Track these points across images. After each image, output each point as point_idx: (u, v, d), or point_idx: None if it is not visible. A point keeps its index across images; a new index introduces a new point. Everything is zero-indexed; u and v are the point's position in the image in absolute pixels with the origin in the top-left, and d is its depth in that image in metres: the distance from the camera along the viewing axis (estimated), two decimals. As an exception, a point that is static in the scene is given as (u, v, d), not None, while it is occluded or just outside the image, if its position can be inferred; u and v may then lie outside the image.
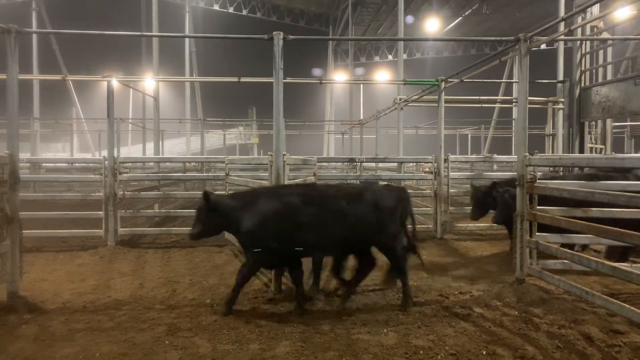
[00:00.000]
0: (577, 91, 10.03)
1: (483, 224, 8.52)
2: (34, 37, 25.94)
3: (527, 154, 5.41)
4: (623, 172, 6.80)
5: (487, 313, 4.75)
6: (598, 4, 7.66)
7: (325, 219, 4.84)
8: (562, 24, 6.82)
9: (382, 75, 35.53)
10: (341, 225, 4.88)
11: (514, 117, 20.20)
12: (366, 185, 5.63)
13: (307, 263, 6.56)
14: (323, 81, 11.44)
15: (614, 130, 12.42)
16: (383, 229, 5.03)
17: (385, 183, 5.67)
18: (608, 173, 6.89)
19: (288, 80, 9.53)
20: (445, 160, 8.91)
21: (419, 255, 5.52)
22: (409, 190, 11.10)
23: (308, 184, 5.67)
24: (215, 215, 4.85)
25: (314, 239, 4.83)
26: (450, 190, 9.13)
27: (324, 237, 4.87)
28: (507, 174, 9.90)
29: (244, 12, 35.80)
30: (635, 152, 16.24)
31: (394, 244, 5.12)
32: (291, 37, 5.74)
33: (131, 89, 23.74)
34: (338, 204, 4.91)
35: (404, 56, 23.43)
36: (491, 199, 6.84)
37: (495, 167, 16.15)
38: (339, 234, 4.91)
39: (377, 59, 41.33)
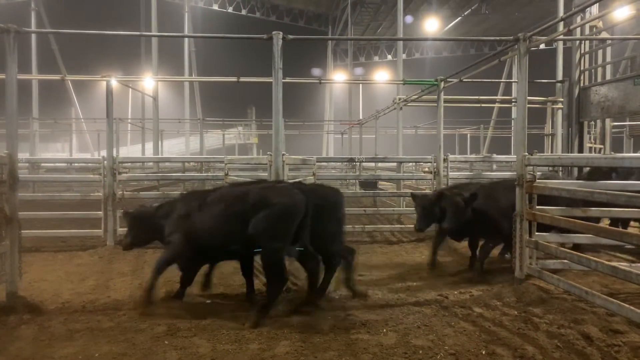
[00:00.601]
0: (576, 91, 10.04)
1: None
2: (33, 36, 25.92)
3: (526, 153, 5.41)
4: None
5: (486, 313, 4.75)
6: (597, 3, 7.66)
7: (210, 222, 4.74)
8: (561, 24, 6.82)
9: (382, 75, 35.55)
10: (224, 228, 4.69)
11: (513, 116, 20.20)
12: (264, 185, 5.11)
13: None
14: (322, 81, 11.42)
15: (613, 130, 12.43)
16: (256, 234, 4.52)
17: (299, 181, 5.16)
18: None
19: (287, 80, 9.53)
20: (445, 160, 8.91)
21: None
22: (408, 190, 11.29)
23: (217, 188, 5.42)
24: (142, 226, 5.11)
25: (207, 243, 4.78)
26: (450, 190, 9.12)
27: (214, 241, 4.76)
28: (507, 174, 9.92)
29: (243, 12, 35.82)
30: (635, 152, 16.26)
31: (266, 252, 4.55)
32: (290, 36, 5.74)
33: (130, 89, 23.76)
34: (220, 207, 4.75)
35: (403, 56, 23.43)
36: (438, 210, 6.19)
37: (494, 166, 16.16)
38: (225, 238, 4.72)
39: (376, 58, 41.36)
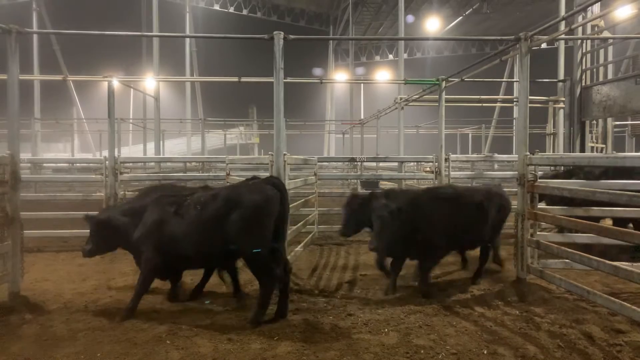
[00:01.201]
0: (578, 90, 10.01)
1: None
2: (35, 37, 25.96)
3: (528, 153, 5.41)
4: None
5: (488, 312, 4.75)
6: (599, 2, 7.64)
7: (180, 228, 4.58)
8: (562, 23, 6.81)
9: (383, 75, 35.56)
10: (199, 233, 4.52)
11: (514, 116, 20.22)
12: (231, 187, 4.97)
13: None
14: (323, 81, 11.40)
15: (615, 129, 12.42)
16: (236, 235, 4.44)
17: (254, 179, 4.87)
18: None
19: (289, 80, 9.52)
20: (446, 160, 8.90)
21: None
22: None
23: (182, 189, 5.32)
24: (107, 232, 4.94)
25: (180, 249, 4.61)
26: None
27: (187, 246, 4.58)
28: (508, 173, 9.91)
29: (245, 12, 35.87)
30: (637, 151, 16.23)
31: (246, 252, 4.48)
32: (292, 36, 5.74)
33: (132, 89, 23.77)
34: (191, 211, 4.59)
35: (405, 56, 23.40)
36: (367, 214, 5.34)
37: (496, 166, 16.16)
38: (199, 243, 4.55)
39: (377, 58, 41.37)
